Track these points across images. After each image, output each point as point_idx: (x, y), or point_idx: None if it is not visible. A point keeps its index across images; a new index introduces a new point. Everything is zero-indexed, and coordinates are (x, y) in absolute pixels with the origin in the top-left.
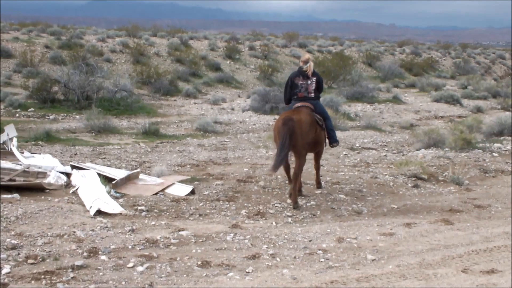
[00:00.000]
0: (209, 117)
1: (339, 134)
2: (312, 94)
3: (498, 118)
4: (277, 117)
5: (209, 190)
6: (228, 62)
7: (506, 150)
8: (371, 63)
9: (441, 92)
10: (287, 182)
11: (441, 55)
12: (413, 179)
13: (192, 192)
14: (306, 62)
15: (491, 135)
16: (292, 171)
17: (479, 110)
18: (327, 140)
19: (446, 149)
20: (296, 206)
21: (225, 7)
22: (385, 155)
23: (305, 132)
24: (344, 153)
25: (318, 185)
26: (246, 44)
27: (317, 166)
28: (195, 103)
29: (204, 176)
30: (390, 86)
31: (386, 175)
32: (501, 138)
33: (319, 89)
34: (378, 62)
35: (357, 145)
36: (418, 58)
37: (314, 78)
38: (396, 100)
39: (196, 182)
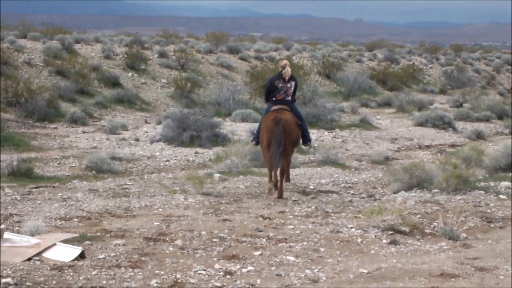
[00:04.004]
0: (104, 152)
1: None
2: (289, 98)
3: (505, 147)
4: (199, 149)
5: (106, 253)
6: (130, 74)
7: None
8: (330, 74)
9: (427, 112)
10: (271, 184)
11: (426, 61)
12: (390, 232)
13: (82, 256)
14: (283, 67)
15: (497, 171)
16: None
17: (479, 136)
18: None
19: (435, 190)
20: (281, 196)
21: None
22: (350, 201)
23: (292, 131)
24: (293, 198)
25: (287, 178)
26: (156, 49)
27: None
28: (84, 132)
29: (99, 233)
30: (357, 106)
31: (352, 228)
32: (510, 174)
33: (294, 92)
34: (339, 73)
35: (312, 187)
36: (394, 66)
37: (293, 82)
38: (364, 124)
39: (87, 242)
